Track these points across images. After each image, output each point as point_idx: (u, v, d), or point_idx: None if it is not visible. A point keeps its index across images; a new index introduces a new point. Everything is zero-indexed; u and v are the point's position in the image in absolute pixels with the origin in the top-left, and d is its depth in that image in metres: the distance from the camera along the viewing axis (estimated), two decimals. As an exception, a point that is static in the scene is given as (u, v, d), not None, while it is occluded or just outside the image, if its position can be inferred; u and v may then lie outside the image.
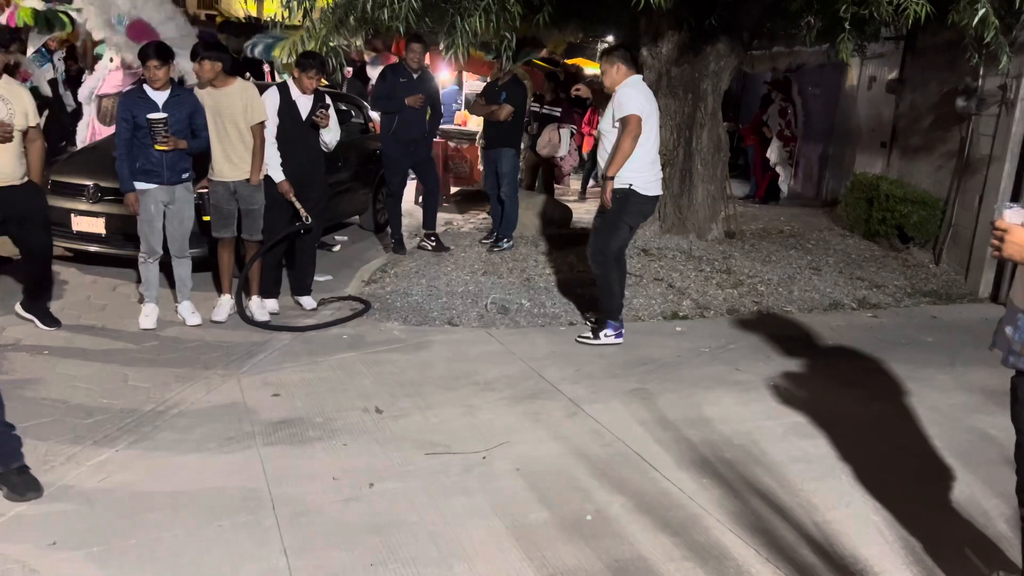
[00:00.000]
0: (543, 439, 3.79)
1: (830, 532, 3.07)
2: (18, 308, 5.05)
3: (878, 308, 6.15)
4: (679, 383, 4.51)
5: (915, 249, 7.67)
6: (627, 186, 4.86)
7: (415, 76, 6.99)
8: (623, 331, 5.11)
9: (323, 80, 6.13)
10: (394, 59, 9.86)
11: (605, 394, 4.32)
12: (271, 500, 3.16)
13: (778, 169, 10.91)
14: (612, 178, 4.87)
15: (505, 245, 7.38)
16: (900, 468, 3.62)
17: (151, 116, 4.72)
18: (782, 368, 4.79)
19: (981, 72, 6.58)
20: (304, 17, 6.11)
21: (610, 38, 10.37)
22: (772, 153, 10.80)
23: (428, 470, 3.46)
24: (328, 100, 5.44)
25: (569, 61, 13.25)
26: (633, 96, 4.82)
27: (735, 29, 6.95)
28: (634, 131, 4.76)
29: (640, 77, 5.04)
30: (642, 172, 4.87)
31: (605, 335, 5.06)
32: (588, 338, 5.10)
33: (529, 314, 5.63)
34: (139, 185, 4.87)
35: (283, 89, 5.32)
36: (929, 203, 7.38)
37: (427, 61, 7.44)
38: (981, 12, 4.70)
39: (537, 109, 8.93)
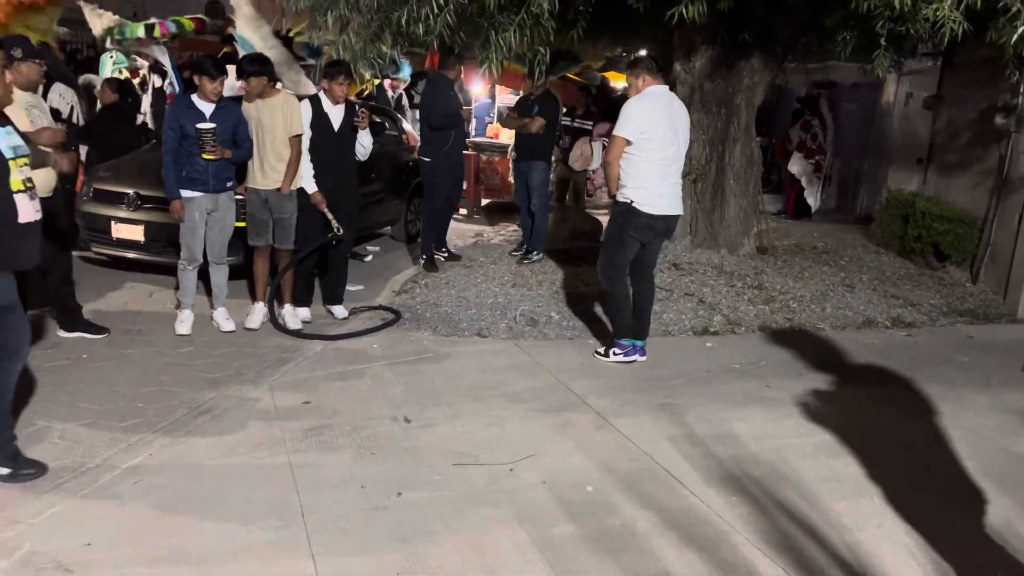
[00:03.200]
0: (570, 452, 3.79)
1: (861, 553, 3.03)
2: (61, 333, 5.01)
3: (913, 327, 6.06)
4: (708, 399, 4.48)
5: (951, 267, 7.55)
6: (628, 202, 4.77)
7: (454, 91, 7.07)
8: (634, 353, 4.99)
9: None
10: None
11: (633, 408, 4.31)
12: (300, 506, 3.19)
13: (803, 182, 10.82)
14: (612, 195, 4.87)
15: (535, 257, 7.40)
16: (933, 489, 3.56)
17: (200, 126, 4.83)
18: (813, 385, 4.74)
19: (1021, 89, 6.48)
20: (340, 31, 6.21)
21: (643, 52, 10.36)
22: (794, 166, 10.71)
23: (455, 480, 3.48)
24: (360, 109, 5.53)
25: (604, 74, 13.26)
26: (633, 113, 4.70)
27: (770, 44, 6.92)
28: (614, 152, 4.73)
29: (661, 88, 4.82)
30: (646, 188, 4.74)
31: (613, 353, 5.01)
32: (601, 353, 5.09)
33: (558, 326, 5.63)
34: (185, 193, 4.97)
35: (315, 101, 5.41)
36: (966, 221, 7.26)
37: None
38: (1021, 29, 4.63)
39: (569, 122, 8.94)
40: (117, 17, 8.80)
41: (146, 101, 9.42)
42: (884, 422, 4.25)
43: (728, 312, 5.97)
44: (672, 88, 7.29)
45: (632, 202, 4.75)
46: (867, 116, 10.87)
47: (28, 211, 3.24)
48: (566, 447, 3.84)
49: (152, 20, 9.25)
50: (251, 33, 8.82)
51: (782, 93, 12.74)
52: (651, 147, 4.69)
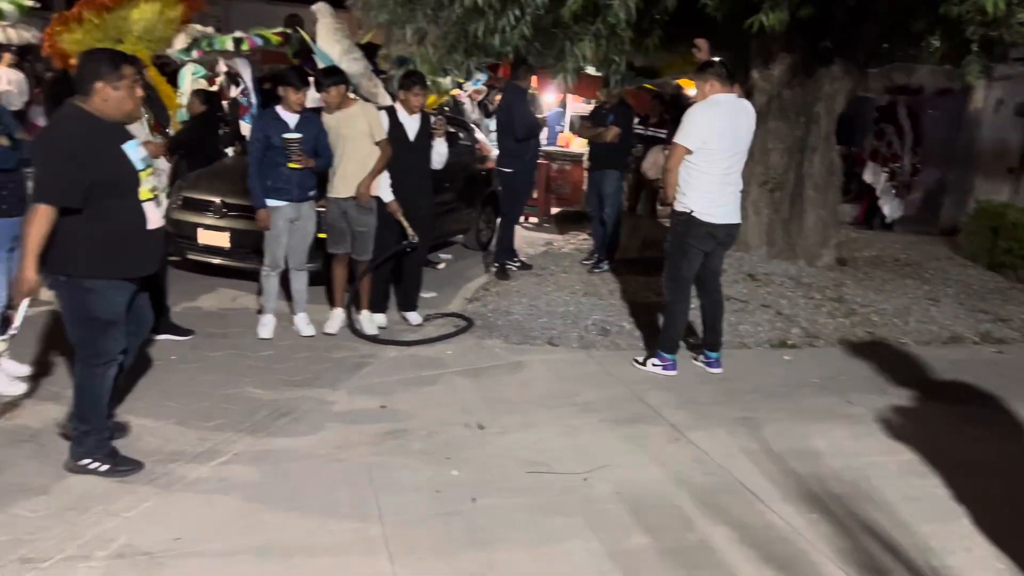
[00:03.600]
0: (644, 464, 3.76)
1: (949, 578, 2.92)
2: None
3: (1003, 343, 5.81)
4: (786, 413, 4.39)
5: (1045, 282, 7.22)
6: (687, 211, 4.71)
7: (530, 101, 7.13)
8: (674, 365, 4.92)
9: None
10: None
11: (709, 421, 4.25)
12: (378, 508, 3.26)
13: (876, 191, 10.51)
14: (670, 204, 4.82)
15: (606, 267, 7.38)
16: (1027, 514, 3.41)
17: (287, 136, 5.00)
18: (897, 402, 4.59)
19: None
20: (418, 44, 6.33)
21: (716, 58, 10.24)
22: (867, 175, 10.41)
23: (529, 488, 3.49)
24: (437, 117, 5.63)
25: (677, 81, 13.15)
26: (696, 122, 4.62)
27: (851, 51, 6.76)
28: (673, 160, 4.68)
29: (727, 97, 4.68)
30: (705, 197, 4.66)
31: (652, 364, 4.95)
32: (639, 362, 5.03)
33: (630, 337, 5.60)
34: (270, 202, 5.14)
35: (391, 112, 5.52)
36: (1062, 233, 6.95)
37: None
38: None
39: (642, 130, 8.91)
40: (199, 27, 9.13)
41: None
42: (972, 442, 4.09)
43: (806, 325, 5.84)
44: (748, 96, 7.22)
45: (691, 212, 4.69)
46: (953, 123, 10.49)
47: (155, 218, 3.43)
48: (640, 459, 3.81)
49: (240, 34, 9.58)
50: (331, 45, 9.05)
51: (861, 100, 12.41)
52: (712, 157, 4.62)
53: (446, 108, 10.86)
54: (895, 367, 5.13)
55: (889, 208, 10.55)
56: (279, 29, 9.29)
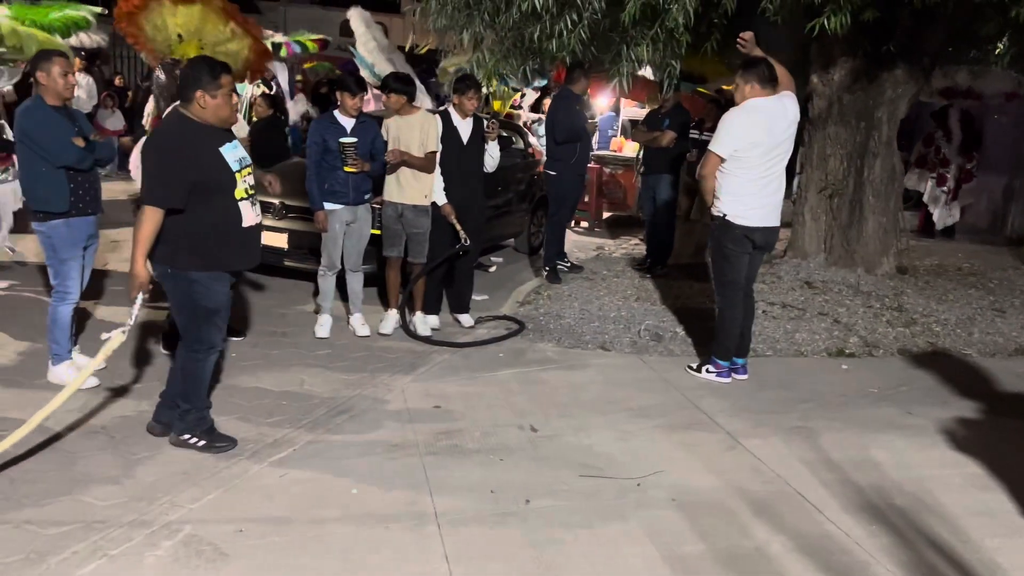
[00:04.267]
0: (699, 470, 3.73)
1: (1017, 595, 2.84)
2: None
3: (1073, 356, 5.61)
4: (845, 423, 4.31)
5: (1118, 293, 6.95)
6: (722, 215, 4.68)
7: (580, 105, 7.13)
8: (728, 375, 4.87)
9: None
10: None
11: (765, 429, 4.20)
12: (433, 508, 3.30)
13: (924, 198, 10.25)
14: (708, 208, 4.82)
15: (659, 271, 7.34)
16: (1100, 533, 3.29)
17: (344, 140, 5.09)
18: (960, 414, 4.47)
19: None
20: (474, 49, 6.39)
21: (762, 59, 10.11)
22: (909, 180, 10.15)
23: (582, 492, 3.50)
24: (488, 122, 5.67)
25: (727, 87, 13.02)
26: (730, 130, 4.56)
27: (916, 55, 6.61)
28: (708, 167, 4.66)
29: (765, 101, 4.54)
30: (740, 201, 4.62)
31: (707, 371, 4.90)
32: (693, 368, 4.99)
33: (683, 342, 5.56)
34: (327, 205, 5.24)
35: (445, 116, 5.58)
36: None
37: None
38: None
39: (697, 135, 8.84)
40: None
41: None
42: (1041, 457, 3.97)
43: (865, 334, 5.72)
44: (807, 100, 7.11)
45: (725, 215, 4.66)
46: (1020, 129, 10.17)
47: (250, 216, 3.60)
48: (695, 465, 3.78)
49: (281, 38, 9.77)
50: (367, 52, 9.21)
51: (919, 106, 12.11)
52: (746, 164, 4.57)
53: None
54: (958, 378, 5.00)
55: (938, 214, 10.27)
56: (317, 36, 9.48)
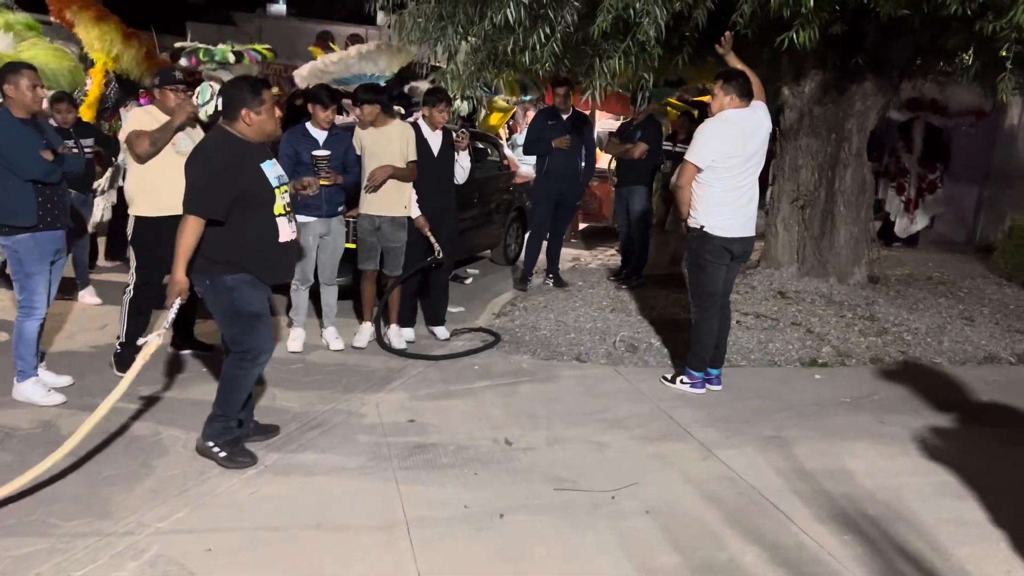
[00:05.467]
0: (674, 482, 3.73)
1: (987, 603, 2.86)
2: (170, 349, 5.19)
3: (1041, 364, 5.70)
4: (818, 432, 4.34)
5: (1084, 301, 7.07)
6: (699, 227, 4.72)
7: (564, 118, 7.15)
8: (702, 385, 4.89)
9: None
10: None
11: (739, 440, 4.21)
12: (406, 523, 3.26)
13: (885, 207, 10.42)
14: (683, 220, 4.84)
15: (634, 282, 7.36)
16: (1068, 539, 3.32)
17: (316, 153, 5.06)
18: (931, 423, 4.51)
19: None
20: (448, 60, 6.38)
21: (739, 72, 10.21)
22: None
23: (557, 505, 3.48)
24: (460, 131, 5.69)
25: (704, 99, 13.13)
26: (706, 141, 4.61)
27: (884, 67, 6.70)
28: (684, 178, 4.70)
29: (741, 113, 4.62)
30: (717, 212, 4.65)
31: (681, 381, 4.92)
32: (668, 379, 5.00)
33: (658, 353, 5.57)
34: (300, 218, 5.19)
35: (415, 128, 5.58)
36: (1101, 252, 6.81)
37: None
38: None
39: (671, 147, 8.89)
40: (196, 43, 9.37)
41: None
42: (1009, 464, 4.01)
43: (838, 343, 5.77)
44: (779, 112, 7.19)
45: (703, 227, 4.70)
46: (988, 140, 10.35)
47: (287, 232, 3.69)
48: (669, 477, 3.78)
49: (240, 47, 9.78)
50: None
51: (890, 121, 12.29)
52: (721, 174, 4.62)
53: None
54: (929, 387, 5.05)
55: (899, 224, 10.42)
56: (268, 45, 9.52)
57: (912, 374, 5.30)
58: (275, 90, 10.30)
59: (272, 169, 3.65)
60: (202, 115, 8.10)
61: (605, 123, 12.49)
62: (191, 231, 3.43)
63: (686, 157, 4.71)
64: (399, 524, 3.25)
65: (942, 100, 9.99)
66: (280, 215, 3.64)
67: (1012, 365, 5.66)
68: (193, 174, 3.54)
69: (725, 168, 4.61)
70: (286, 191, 3.72)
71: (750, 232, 4.81)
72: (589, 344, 5.67)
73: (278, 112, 3.78)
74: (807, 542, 3.23)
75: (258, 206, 3.57)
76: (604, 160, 10.91)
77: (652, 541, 3.20)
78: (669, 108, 10.64)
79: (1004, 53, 4.77)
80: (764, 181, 5.42)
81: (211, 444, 3.72)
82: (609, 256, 9.17)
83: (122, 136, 4.76)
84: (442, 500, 3.47)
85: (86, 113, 7.59)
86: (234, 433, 3.75)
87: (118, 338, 4.82)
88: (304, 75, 8.38)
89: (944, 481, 3.81)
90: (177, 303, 3.50)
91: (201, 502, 3.37)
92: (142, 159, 4.63)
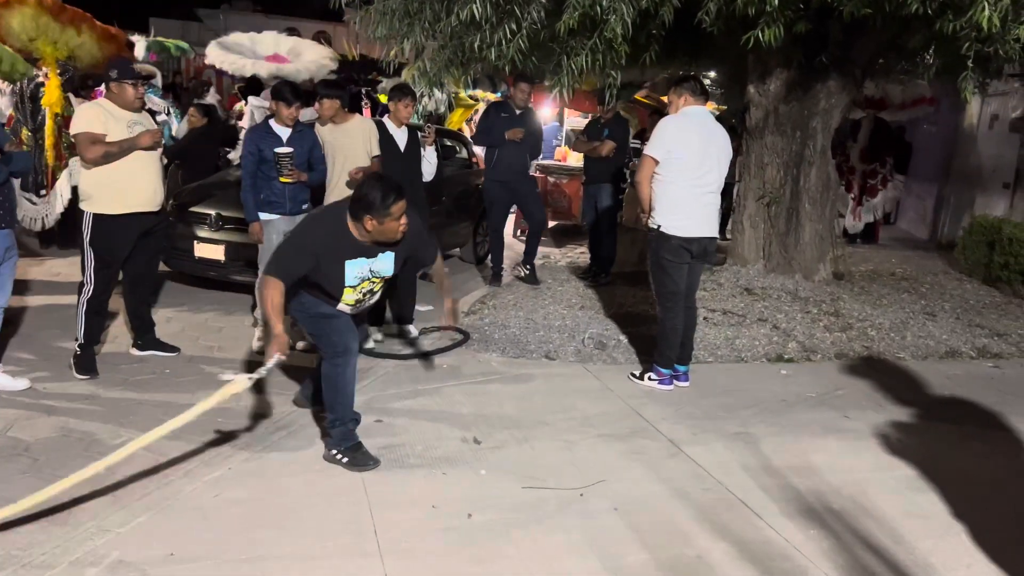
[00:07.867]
0: (642, 479, 3.74)
1: (949, 595, 2.90)
2: (134, 351, 5.11)
3: (1000, 358, 5.81)
4: (784, 428, 4.38)
5: (1041, 296, 7.23)
6: (657, 227, 4.72)
7: (518, 113, 7.14)
8: (670, 382, 4.91)
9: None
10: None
11: (706, 436, 4.23)
12: (373, 525, 3.22)
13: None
14: (645, 219, 4.87)
15: (603, 280, 7.38)
16: (1026, 531, 3.39)
17: (279, 150, 4.99)
18: (894, 417, 4.58)
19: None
20: (416, 57, 6.34)
21: (712, 74, 10.30)
22: None
23: (525, 504, 3.46)
24: (427, 126, 5.67)
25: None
26: (663, 132, 4.65)
27: (848, 66, 6.78)
28: (643, 172, 4.71)
29: (698, 109, 4.73)
30: (674, 211, 4.66)
31: (649, 378, 4.94)
32: (636, 376, 5.02)
33: (627, 351, 5.58)
34: (263, 216, 5.12)
35: (380, 126, 5.53)
36: (1058, 248, 6.96)
37: (532, 100, 7.58)
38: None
39: (639, 145, 8.92)
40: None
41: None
42: (970, 457, 4.08)
43: (803, 339, 5.83)
44: (744, 111, 7.26)
45: (660, 227, 4.70)
46: (948, 139, 10.54)
47: (346, 310, 3.77)
48: (637, 474, 3.79)
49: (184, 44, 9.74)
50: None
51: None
52: (679, 167, 4.62)
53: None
54: (892, 382, 5.13)
55: (847, 220, 10.56)
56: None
57: (876, 369, 5.38)
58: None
59: (354, 269, 3.61)
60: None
61: (573, 120, 12.54)
62: (274, 290, 3.44)
63: (644, 151, 4.73)
64: (366, 527, 3.21)
65: (888, 96, 10.12)
66: (346, 306, 3.73)
67: (972, 359, 5.77)
68: (291, 239, 3.64)
69: (682, 160, 4.61)
70: (368, 284, 3.72)
71: (711, 232, 4.81)
72: (558, 342, 5.67)
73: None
74: (774, 537, 3.25)
75: (325, 292, 3.66)
76: (573, 158, 10.95)
77: (621, 539, 3.20)
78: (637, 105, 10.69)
79: (964, 52, 4.85)
80: (729, 184, 5.47)
81: (334, 452, 3.73)
82: (579, 254, 9.18)
83: (72, 130, 4.60)
84: (410, 501, 3.44)
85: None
86: (354, 438, 3.76)
87: (76, 340, 4.71)
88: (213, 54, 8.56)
89: (907, 475, 3.86)
90: (276, 357, 3.41)
91: (163, 506, 3.30)
92: (90, 166, 4.51)
